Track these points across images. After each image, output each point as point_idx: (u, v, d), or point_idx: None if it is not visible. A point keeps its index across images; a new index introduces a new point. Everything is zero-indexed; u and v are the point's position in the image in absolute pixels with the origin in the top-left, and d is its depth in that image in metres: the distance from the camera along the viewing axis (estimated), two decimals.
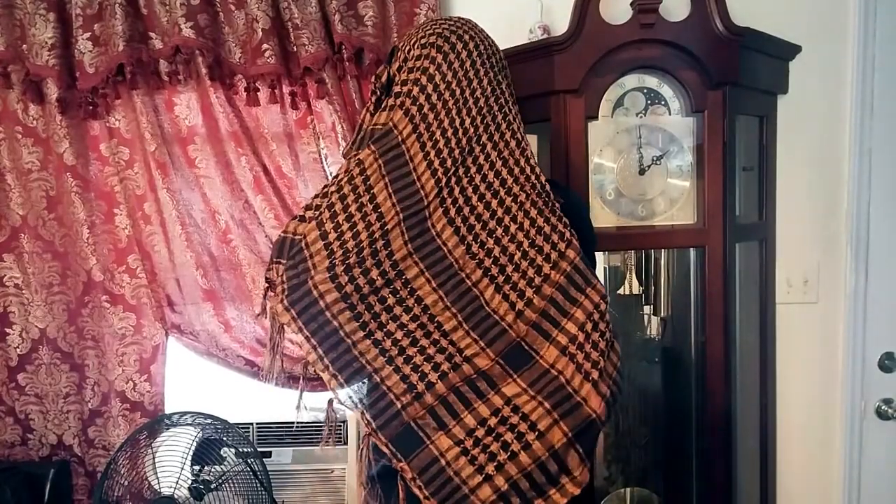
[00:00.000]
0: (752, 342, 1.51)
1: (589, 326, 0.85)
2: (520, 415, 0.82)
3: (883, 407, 1.55)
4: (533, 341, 0.86)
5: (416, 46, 0.94)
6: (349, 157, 0.90)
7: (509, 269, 0.87)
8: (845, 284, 1.56)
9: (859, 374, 1.55)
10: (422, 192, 0.85)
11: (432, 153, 0.87)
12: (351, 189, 0.83)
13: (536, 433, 0.81)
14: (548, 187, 0.92)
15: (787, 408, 1.58)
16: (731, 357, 1.37)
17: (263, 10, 1.45)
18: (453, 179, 0.87)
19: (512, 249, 0.88)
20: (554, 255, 0.87)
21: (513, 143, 0.92)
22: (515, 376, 0.84)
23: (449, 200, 0.87)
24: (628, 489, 1.62)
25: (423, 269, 0.83)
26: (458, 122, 0.89)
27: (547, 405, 0.82)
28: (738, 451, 1.41)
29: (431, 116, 0.88)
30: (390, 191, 0.84)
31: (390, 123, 0.88)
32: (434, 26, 0.95)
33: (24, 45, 1.49)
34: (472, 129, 0.90)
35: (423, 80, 0.90)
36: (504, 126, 0.93)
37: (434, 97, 0.89)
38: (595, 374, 0.83)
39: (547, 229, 0.88)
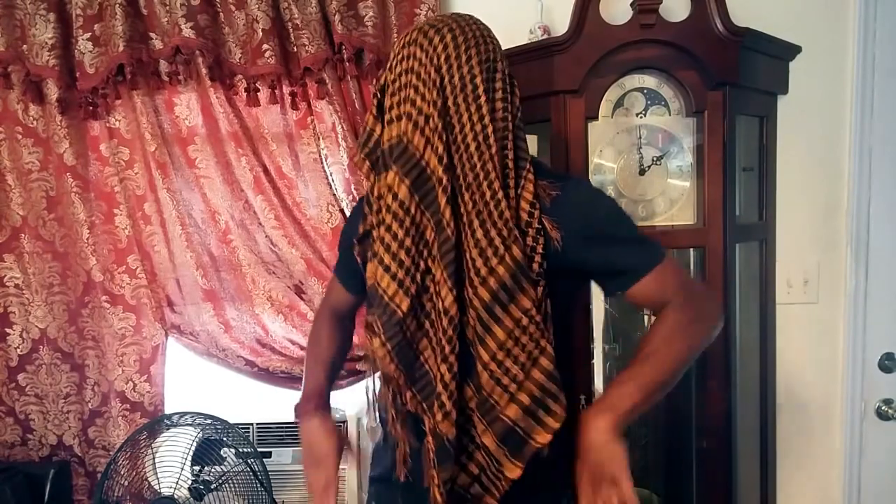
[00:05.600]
0: (752, 342, 1.51)
1: (510, 344, 0.88)
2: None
3: (883, 407, 1.55)
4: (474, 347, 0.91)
5: (401, 46, 0.94)
6: (374, 176, 0.93)
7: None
8: (845, 284, 1.56)
9: (859, 375, 1.55)
10: (438, 200, 0.89)
11: (442, 161, 0.88)
12: (393, 218, 0.88)
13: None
14: (500, 194, 0.89)
15: (787, 408, 1.58)
16: (731, 357, 1.37)
17: (263, 11, 1.45)
18: (454, 187, 0.90)
19: (473, 263, 0.90)
20: (484, 271, 0.88)
21: (483, 149, 0.90)
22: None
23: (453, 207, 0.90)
24: None
25: (446, 277, 0.88)
26: (452, 124, 0.90)
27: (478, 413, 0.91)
28: (738, 451, 1.41)
29: (431, 123, 0.89)
30: (422, 211, 0.89)
31: (405, 138, 0.89)
32: (418, 24, 0.95)
33: (25, 46, 1.49)
34: (459, 128, 0.90)
35: (415, 81, 0.90)
36: (483, 122, 0.91)
37: (430, 103, 0.89)
38: (513, 387, 0.88)
39: (484, 243, 0.88)
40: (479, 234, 0.87)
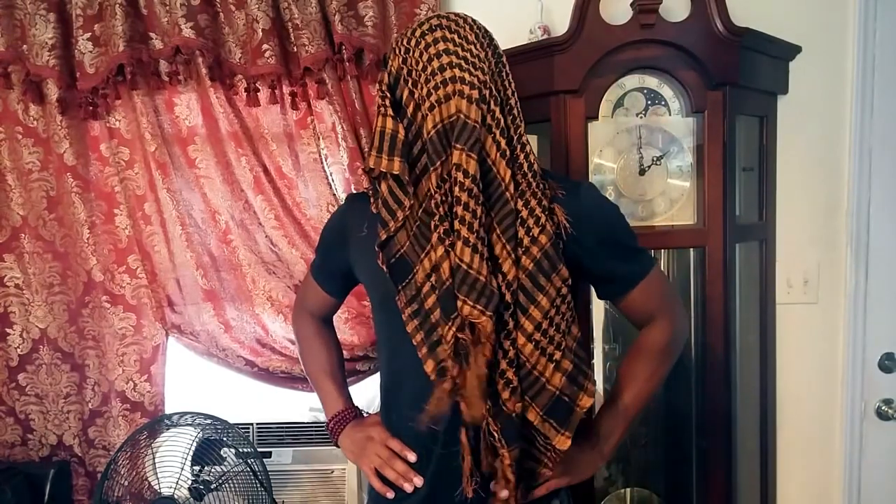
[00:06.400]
0: (752, 342, 1.51)
1: (552, 312, 0.89)
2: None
3: (883, 407, 1.55)
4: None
5: (419, 35, 0.92)
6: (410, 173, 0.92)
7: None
8: (845, 284, 1.56)
9: (859, 375, 1.55)
10: (502, 174, 0.89)
11: (504, 133, 0.90)
12: (468, 196, 0.86)
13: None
14: (536, 166, 0.92)
15: (787, 408, 1.58)
16: (731, 357, 1.37)
17: (263, 11, 1.45)
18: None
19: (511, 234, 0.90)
20: (526, 241, 0.89)
21: (518, 120, 0.94)
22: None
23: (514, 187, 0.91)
24: (628, 489, 1.63)
25: (509, 250, 0.89)
26: (498, 96, 0.91)
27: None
28: (738, 451, 1.41)
29: (486, 96, 0.89)
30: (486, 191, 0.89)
31: (461, 115, 0.87)
32: (429, 17, 0.96)
33: (25, 46, 1.49)
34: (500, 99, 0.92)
35: (456, 60, 0.90)
36: (512, 100, 0.94)
37: (479, 78, 0.89)
38: (557, 355, 0.90)
39: (525, 213, 0.90)
40: (520, 204, 0.90)
